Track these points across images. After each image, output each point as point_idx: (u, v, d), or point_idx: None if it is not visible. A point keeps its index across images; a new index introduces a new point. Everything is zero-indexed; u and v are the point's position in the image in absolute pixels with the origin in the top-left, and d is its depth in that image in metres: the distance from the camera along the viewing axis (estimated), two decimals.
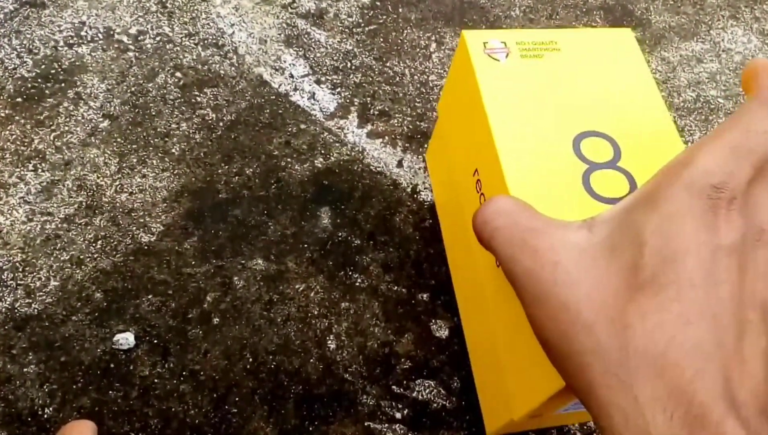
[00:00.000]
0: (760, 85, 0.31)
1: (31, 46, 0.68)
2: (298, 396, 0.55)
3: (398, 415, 0.55)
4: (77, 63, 0.68)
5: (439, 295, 0.60)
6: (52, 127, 0.64)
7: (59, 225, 0.59)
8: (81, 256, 0.58)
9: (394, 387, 0.56)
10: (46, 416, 0.52)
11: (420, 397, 0.56)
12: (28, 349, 0.54)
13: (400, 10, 0.77)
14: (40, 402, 0.52)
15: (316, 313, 0.58)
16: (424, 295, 0.60)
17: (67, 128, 0.64)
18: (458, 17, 0.77)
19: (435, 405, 0.56)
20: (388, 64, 0.72)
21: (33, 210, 0.60)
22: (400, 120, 0.69)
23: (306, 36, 0.73)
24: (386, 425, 0.55)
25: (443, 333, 0.59)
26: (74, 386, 0.53)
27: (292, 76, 0.70)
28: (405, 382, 0.57)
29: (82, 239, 0.59)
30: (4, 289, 0.56)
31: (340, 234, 0.62)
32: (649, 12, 0.81)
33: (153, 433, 0.52)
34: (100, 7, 0.72)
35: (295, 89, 0.69)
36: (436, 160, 0.62)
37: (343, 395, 0.55)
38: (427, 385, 0.57)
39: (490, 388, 0.54)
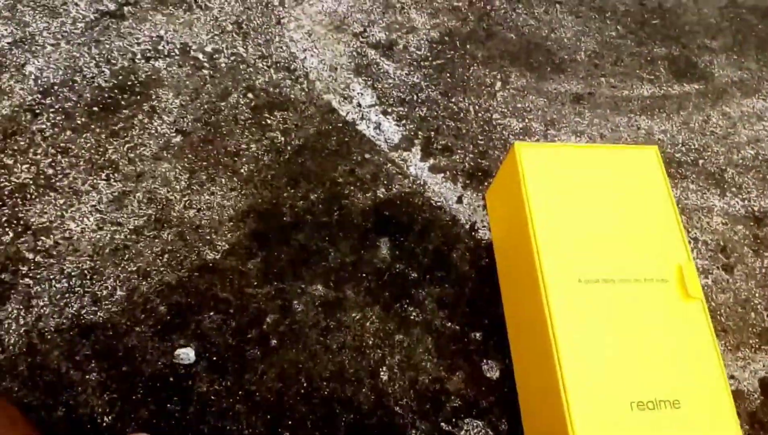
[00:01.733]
0: None
1: (109, 57, 0.70)
2: (349, 425, 0.56)
3: None
4: (153, 76, 0.69)
5: (492, 335, 0.61)
6: (126, 139, 0.65)
7: (128, 236, 0.61)
8: (148, 269, 0.60)
9: (443, 424, 0.57)
10: (105, 424, 0.53)
11: None
12: (91, 357, 0.55)
13: (468, 46, 0.78)
14: (100, 410, 0.54)
15: (370, 343, 0.59)
16: (477, 334, 0.61)
17: (140, 141, 0.65)
18: (524, 57, 0.78)
19: None
20: (453, 100, 0.73)
21: (104, 219, 0.61)
22: (462, 156, 0.70)
23: (375, 66, 0.74)
24: None
25: (494, 374, 0.59)
26: (134, 397, 0.54)
27: (359, 105, 0.71)
28: (454, 419, 0.57)
29: (149, 252, 0.60)
30: (71, 295, 0.58)
31: (397, 266, 0.63)
32: (712, 65, 0.82)
33: None
34: (178, 23, 0.73)
35: (362, 118, 0.70)
36: (496, 202, 0.63)
37: (393, 428, 0.56)
38: (475, 425, 0.57)
39: (538, 433, 0.54)
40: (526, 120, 0.73)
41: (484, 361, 0.60)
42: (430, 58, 0.76)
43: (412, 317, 0.61)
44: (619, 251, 0.53)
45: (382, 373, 0.58)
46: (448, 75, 0.75)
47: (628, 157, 0.58)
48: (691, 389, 0.47)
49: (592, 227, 0.54)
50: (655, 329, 0.50)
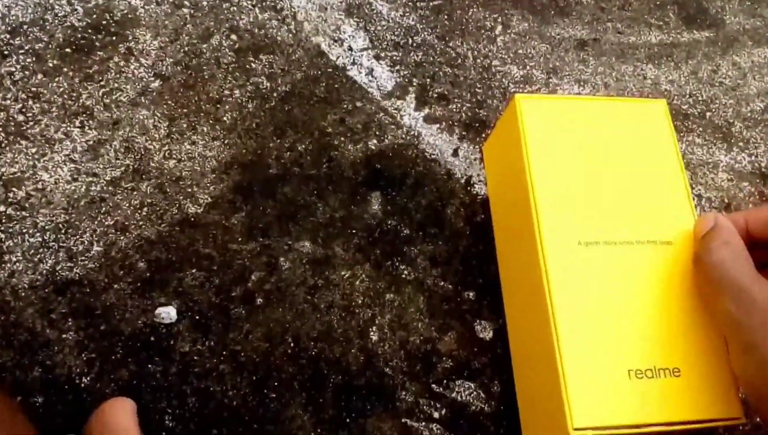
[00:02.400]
0: None
1: None
2: (338, 386, 0.54)
3: (436, 415, 0.54)
4: (130, 15, 0.65)
5: (486, 294, 0.59)
6: (101, 83, 0.61)
7: (104, 187, 0.58)
8: (126, 223, 0.57)
9: (433, 386, 0.55)
10: (83, 385, 0.51)
11: (459, 398, 0.55)
12: (67, 315, 0.53)
13: None
14: (78, 370, 0.52)
15: (360, 302, 0.57)
16: (470, 294, 0.59)
17: (116, 85, 0.61)
18: (527, 0, 0.73)
19: (473, 408, 0.55)
20: (450, 44, 0.69)
21: (78, 169, 0.58)
22: (459, 105, 0.66)
23: (368, 6, 0.70)
24: (423, 424, 0.54)
25: (487, 334, 0.57)
26: (113, 357, 0.52)
27: (350, 48, 0.67)
28: (445, 381, 0.55)
29: (127, 205, 0.57)
30: (45, 250, 0.55)
31: (389, 222, 0.60)
32: (724, 11, 0.77)
33: (190, 411, 0.51)
34: None
35: (353, 63, 0.66)
36: (493, 156, 0.60)
37: (383, 389, 0.54)
38: (467, 386, 0.56)
39: (532, 398, 0.53)
40: (528, 67, 0.69)
41: (477, 321, 0.58)
42: None
43: (403, 276, 0.58)
44: (621, 211, 0.50)
45: (371, 333, 0.56)
46: (445, 17, 0.71)
47: (634, 111, 0.55)
48: (692, 357, 0.44)
49: (593, 186, 0.51)
50: (657, 294, 0.47)
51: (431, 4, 0.71)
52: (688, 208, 0.50)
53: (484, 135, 0.65)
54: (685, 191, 0.51)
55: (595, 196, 0.50)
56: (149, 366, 0.52)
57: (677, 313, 0.46)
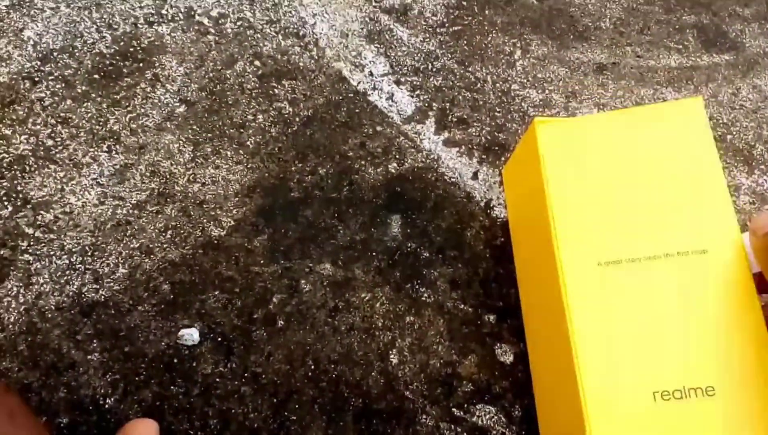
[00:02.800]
0: None
1: (111, 21, 0.67)
2: (358, 409, 0.54)
3: None
4: (156, 43, 0.66)
5: (506, 318, 0.59)
6: (128, 108, 0.63)
7: (130, 211, 0.59)
8: (150, 245, 0.58)
9: (454, 410, 0.55)
10: (107, 406, 0.52)
11: (480, 422, 0.55)
12: (93, 336, 0.54)
13: (487, 12, 0.74)
14: (102, 391, 0.52)
15: (380, 324, 0.57)
16: (491, 317, 0.59)
17: (143, 110, 0.63)
18: (546, 24, 0.74)
19: (494, 432, 0.55)
20: (470, 69, 0.70)
21: (105, 193, 0.59)
22: (479, 129, 0.67)
23: (388, 32, 0.71)
24: None
25: (508, 358, 0.57)
26: (137, 378, 0.53)
27: (371, 74, 0.68)
28: (466, 405, 0.55)
29: (152, 227, 0.58)
30: (72, 272, 0.56)
31: (409, 244, 0.61)
32: (743, 35, 0.77)
33: (212, 432, 0.52)
34: None
35: (374, 88, 0.67)
36: (513, 180, 0.60)
37: (403, 413, 0.54)
38: (488, 410, 0.56)
39: (553, 422, 0.52)
40: (547, 91, 0.70)
41: (498, 344, 0.58)
42: (446, 24, 0.72)
43: (423, 298, 0.59)
44: (649, 224, 0.46)
45: (392, 356, 0.56)
46: (465, 42, 0.72)
47: (665, 112, 0.51)
48: (728, 373, 0.40)
49: (617, 203, 0.49)
50: (688, 307, 0.43)
51: (451, 29, 0.72)
52: (728, 211, 0.45)
53: (503, 158, 0.65)
54: (724, 193, 0.46)
55: (618, 213, 0.48)
56: (172, 387, 0.53)
57: (711, 327, 0.42)
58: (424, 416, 0.54)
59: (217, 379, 0.54)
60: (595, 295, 0.44)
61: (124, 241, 0.57)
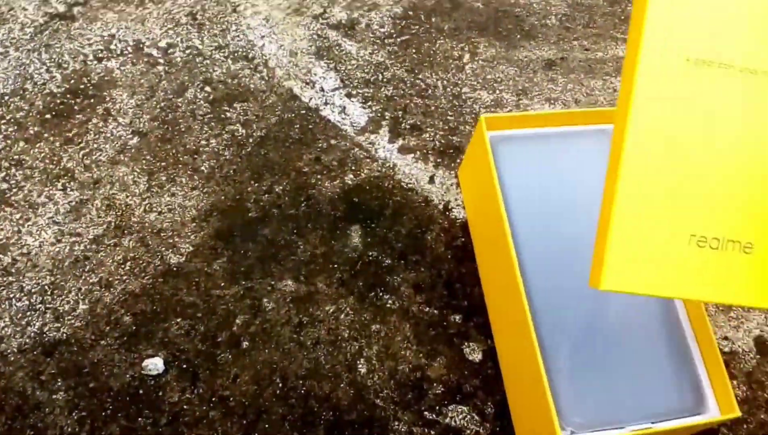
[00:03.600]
0: None
1: (60, 61, 0.68)
2: (329, 422, 0.54)
3: None
4: (106, 78, 0.67)
5: (472, 316, 0.59)
6: (81, 145, 0.63)
7: (88, 246, 0.59)
8: (110, 279, 0.58)
9: (426, 413, 0.55)
10: None
11: (453, 423, 0.55)
12: (57, 375, 0.54)
13: (433, 19, 0.75)
14: (69, 430, 0.52)
15: (346, 335, 0.57)
16: (457, 317, 0.59)
17: (96, 145, 0.63)
18: (492, 26, 0.75)
19: (468, 432, 0.54)
20: (420, 76, 0.70)
21: (62, 231, 0.59)
22: (432, 134, 0.67)
23: (337, 47, 0.71)
24: None
25: (477, 356, 0.57)
26: (103, 413, 0.53)
27: (322, 89, 0.69)
28: (437, 407, 0.55)
29: (110, 261, 0.58)
30: (33, 313, 0.56)
31: (370, 253, 0.61)
32: None
33: None
34: (130, 19, 0.71)
35: (326, 103, 0.68)
36: (468, 179, 0.61)
37: (375, 421, 0.54)
38: (460, 410, 0.55)
39: (527, 415, 0.52)
40: (497, 91, 0.70)
41: (466, 343, 0.58)
42: (394, 35, 0.73)
43: (388, 305, 0.59)
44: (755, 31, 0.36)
45: (360, 366, 0.56)
46: (413, 51, 0.72)
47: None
48: None
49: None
50: (759, 149, 0.35)
51: (399, 39, 0.73)
52: None
53: (458, 160, 0.65)
54: None
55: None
56: (139, 419, 0.53)
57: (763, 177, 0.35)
58: (397, 422, 0.54)
59: (185, 406, 0.53)
60: (668, 97, 0.35)
61: (83, 277, 0.57)
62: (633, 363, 0.51)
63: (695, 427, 0.49)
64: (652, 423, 0.47)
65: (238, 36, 0.71)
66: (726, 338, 0.61)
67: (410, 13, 0.75)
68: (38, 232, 0.59)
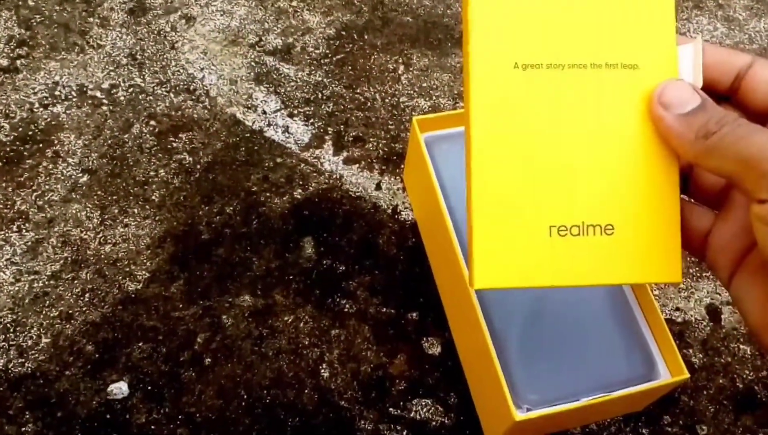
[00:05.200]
0: None
1: (7, 111, 0.69)
2: (296, 429, 0.55)
3: None
4: (53, 122, 0.69)
5: (429, 312, 0.60)
6: (33, 188, 0.65)
7: (47, 282, 0.60)
8: (70, 311, 0.59)
9: (391, 409, 0.56)
10: None
11: (418, 416, 0.56)
12: (24, 409, 0.54)
13: (366, 36, 0.78)
14: None
15: (306, 343, 0.59)
16: (414, 314, 0.60)
17: (47, 187, 0.65)
18: (423, 37, 0.78)
19: (434, 423, 0.56)
20: (358, 91, 0.73)
21: (20, 270, 0.60)
22: (375, 144, 0.70)
23: (275, 72, 0.74)
24: None
25: (436, 350, 0.59)
26: None
27: (264, 112, 0.71)
28: (402, 403, 0.57)
29: (69, 294, 0.59)
30: None
31: (324, 262, 0.62)
32: None
33: None
34: (72, 65, 0.73)
35: (269, 125, 0.70)
36: (411, 181, 0.63)
37: (341, 423, 0.55)
38: (424, 403, 0.57)
39: (485, 399, 0.54)
40: (434, 98, 0.73)
41: (425, 338, 0.59)
42: (329, 55, 0.76)
43: (345, 310, 0.60)
44: (577, 29, 0.37)
45: (322, 371, 0.57)
46: (349, 68, 0.75)
47: None
48: (631, 213, 0.36)
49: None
50: (603, 133, 0.36)
51: (335, 58, 0.76)
52: (669, 27, 0.36)
53: (402, 166, 0.68)
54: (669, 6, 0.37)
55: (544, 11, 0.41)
56: None
57: (622, 159, 0.36)
58: (363, 421, 0.55)
59: (152, 426, 0.54)
60: (505, 104, 0.36)
61: (44, 312, 0.58)
62: (583, 338, 0.53)
63: (649, 393, 0.50)
64: (607, 393, 0.48)
65: (178, 71, 0.73)
66: (678, 309, 0.63)
67: (343, 33, 0.78)
68: None
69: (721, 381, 0.59)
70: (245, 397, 0.56)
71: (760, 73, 0.33)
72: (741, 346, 0.61)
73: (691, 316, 0.62)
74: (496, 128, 0.35)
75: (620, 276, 0.35)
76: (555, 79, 0.36)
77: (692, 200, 0.37)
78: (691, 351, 0.61)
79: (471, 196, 0.35)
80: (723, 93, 0.34)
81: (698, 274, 0.65)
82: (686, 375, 0.49)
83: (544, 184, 0.35)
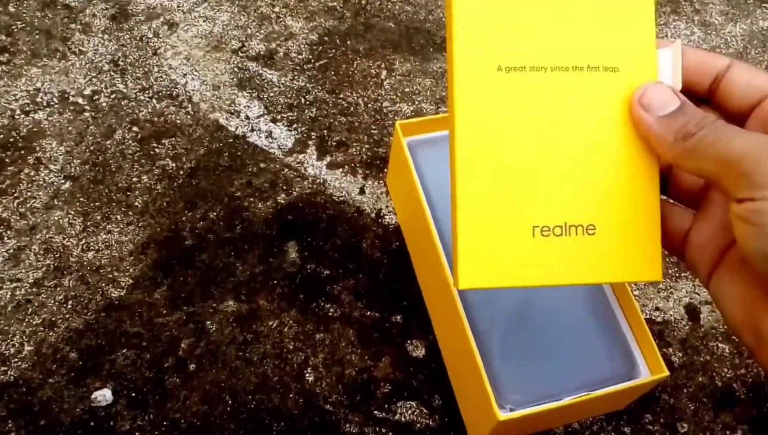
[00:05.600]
0: None
1: None
2: (281, 433, 0.55)
3: None
4: (35, 129, 0.68)
5: (413, 315, 0.61)
6: (15, 195, 0.64)
7: (29, 290, 0.60)
8: (53, 318, 0.58)
9: (376, 412, 0.56)
10: None
11: (403, 419, 0.56)
12: (7, 417, 0.54)
13: (348, 42, 0.78)
14: None
15: (291, 347, 0.59)
16: (398, 317, 0.61)
17: (29, 194, 0.64)
18: (405, 43, 0.78)
19: (419, 425, 0.56)
20: (341, 96, 0.74)
21: (2, 278, 0.60)
22: (358, 148, 0.70)
23: (258, 77, 0.74)
24: None
25: (420, 352, 0.59)
26: None
27: (247, 117, 0.71)
28: (387, 405, 0.57)
29: (52, 301, 0.59)
30: None
31: (308, 266, 0.63)
32: None
33: None
34: (54, 72, 0.73)
35: (252, 130, 0.70)
36: (395, 185, 0.63)
37: (326, 427, 0.55)
38: (408, 406, 0.57)
39: (469, 400, 0.54)
40: (416, 102, 0.74)
41: (409, 341, 0.60)
42: (312, 60, 0.76)
43: (330, 314, 0.60)
44: (559, 32, 0.38)
45: (307, 375, 0.58)
46: (332, 73, 0.75)
47: None
48: (612, 213, 0.37)
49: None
50: (585, 134, 0.37)
51: (317, 64, 0.76)
52: (649, 31, 0.37)
53: (386, 170, 0.68)
54: (649, 10, 0.37)
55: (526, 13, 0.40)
56: None
57: (602, 160, 0.37)
58: (348, 425, 0.56)
59: (137, 434, 0.54)
60: (488, 106, 0.36)
61: (27, 320, 0.58)
62: (565, 338, 0.54)
63: (630, 391, 0.51)
64: (588, 392, 0.49)
65: (160, 76, 0.73)
66: (658, 309, 0.64)
67: (326, 38, 0.78)
68: None
69: (700, 379, 0.60)
70: (230, 402, 0.56)
71: (738, 75, 0.34)
72: (720, 345, 0.62)
73: (671, 315, 0.63)
74: (479, 130, 0.36)
75: (602, 275, 0.36)
76: (538, 81, 0.36)
77: (671, 200, 0.37)
78: (670, 350, 0.61)
79: (455, 196, 0.35)
80: (702, 95, 0.35)
81: (677, 275, 0.66)
82: (666, 373, 0.50)
83: (527, 184, 0.36)
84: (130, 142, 0.68)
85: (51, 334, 0.58)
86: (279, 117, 0.71)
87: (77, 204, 0.64)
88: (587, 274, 0.36)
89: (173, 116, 0.70)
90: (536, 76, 0.36)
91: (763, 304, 0.30)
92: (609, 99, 0.36)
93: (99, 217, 0.64)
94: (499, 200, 0.36)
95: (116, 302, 0.59)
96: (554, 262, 0.35)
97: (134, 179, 0.66)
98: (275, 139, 0.70)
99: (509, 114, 0.36)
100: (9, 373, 0.56)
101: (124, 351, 0.57)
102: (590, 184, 0.36)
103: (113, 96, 0.71)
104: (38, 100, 0.71)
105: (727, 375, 0.60)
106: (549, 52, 0.36)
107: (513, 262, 0.35)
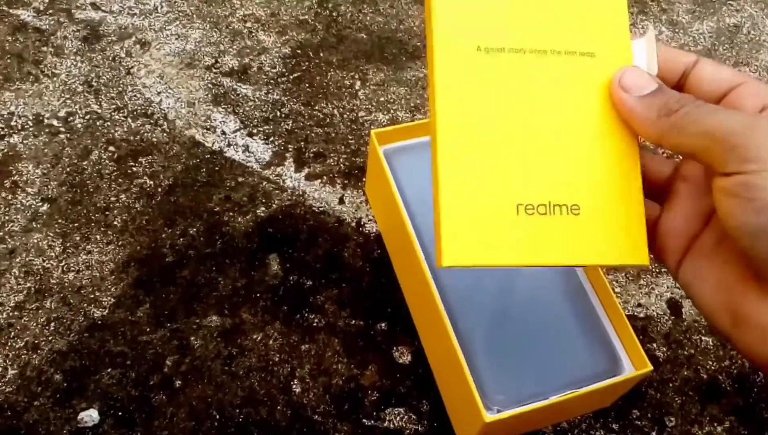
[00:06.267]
0: None
1: None
2: None
3: None
4: (10, 153, 0.68)
5: (398, 321, 0.61)
6: None
7: (11, 313, 0.59)
8: (36, 341, 0.58)
9: (364, 420, 0.57)
10: None
11: (392, 426, 0.56)
12: None
13: (321, 54, 0.79)
14: None
15: (277, 359, 0.59)
16: (383, 325, 0.61)
17: (7, 217, 0.64)
18: (378, 53, 0.79)
19: (408, 431, 0.56)
20: (316, 108, 0.74)
21: None
22: (336, 159, 0.70)
23: (233, 92, 0.75)
24: None
25: (406, 359, 0.60)
26: None
27: (224, 132, 0.71)
28: (375, 413, 0.57)
29: (35, 324, 0.59)
30: None
31: (291, 278, 0.63)
32: None
33: None
34: (27, 95, 0.73)
35: (229, 145, 0.71)
36: (373, 194, 0.64)
37: None
38: (397, 412, 0.57)
39: (456, 403, 0.55)
40: (392, 111, 0.74)
41: (394, 348, 0.60)
42: (286, 74, 0.77)
43: (314, 324, 0.61)
44: (539, 16, 0.39)
45: (294, 386, 0.58)
46: (307, 85, 0.76)
47: None
48: (596, 193, 0.36)
49: None
50: (566, 116, 0.37)
51: (291, 77, 0.76)
52: (622, 16, 0.38)
53: (364, 179, 0.69)
54: None
55: None
56: None
57: (585, 141, 0.37)
58: (337, 434, 0.56)
59: None
60: (469, 86, 0.36)
61: (9, 344, 0.58)
62: (548, 338, 0.54)
63: (615, 387, 0.52)
64: (574, 390, 0.49)
65: (135, 95, 0.73)
66: (640, 305, 0.64)
67: (298, 51, 0.79)
68: None
69: (685, 373, 0.61)
70: (217, 417, 0.56)
71: (705, 69, 0.35)
72: (703, 338, 0.62)
73: (653, 311, 0.64)
74: (460, 109, 0.36)
75: (588, 257, 0.35)
76: (517, 62, 0.36)
77: None
78: (654, 345, 0.62)
79: (437, 176, 0.35)
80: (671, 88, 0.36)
81: (658, 270, 0.67)
82: (649, 368, 0.50)
83: (510, 162, 0.36)
84: (107, 161, 0.68)
85: (35, 356, 0.57)
86: (255, 131, 0.72)
87: (56, 226, 0.64)
88: (572, 255, 0.35)
89: (149, 134, 0.70)
90: (515, 57, 0.36)
91: (741, 284, 0.30)
92: (586, 83, 0.37)
93: (78, 238, 0.63)
94: (481, 177, 0.35)
95: (99, 322, 0.59)
96: (539, 242, 0.35)
97: (112, 199, 0.66)
98: (252, 152, 0.70)
99: (490, 93, 0.36)
100: None
101: (109, 370, 0.57)
102: (572, 164, 0.36)
103: (88, 117, 0.71)
104: (12, 124, 0.70)
105: (712, 368, 0.61)
106: (528, 35, 0.37)
107: (497, 240, 0.35)
